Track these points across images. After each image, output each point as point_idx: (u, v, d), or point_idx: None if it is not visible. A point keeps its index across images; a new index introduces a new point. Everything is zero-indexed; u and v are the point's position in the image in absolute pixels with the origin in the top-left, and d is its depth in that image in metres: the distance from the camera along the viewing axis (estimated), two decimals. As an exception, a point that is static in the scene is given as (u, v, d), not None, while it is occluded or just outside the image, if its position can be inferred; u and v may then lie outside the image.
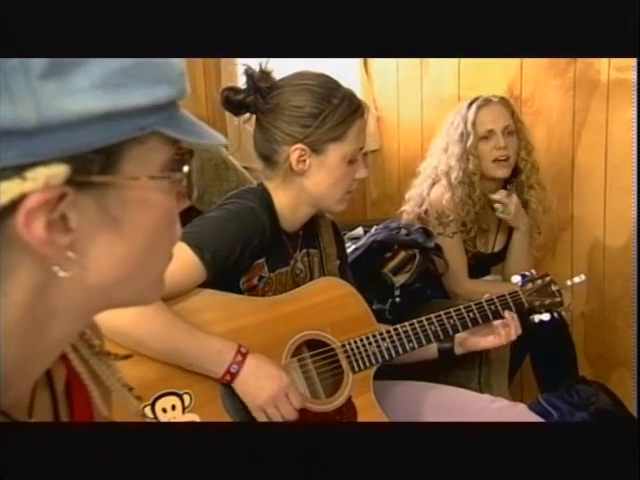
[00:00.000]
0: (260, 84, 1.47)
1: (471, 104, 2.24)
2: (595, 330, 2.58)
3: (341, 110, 1.48)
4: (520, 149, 2.26)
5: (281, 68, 1.52)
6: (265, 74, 1.48)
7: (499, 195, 2.26)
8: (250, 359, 1.37)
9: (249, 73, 1.47)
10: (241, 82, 1.50)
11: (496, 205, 2.26)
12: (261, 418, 1.38)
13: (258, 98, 1.47)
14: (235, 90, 1.49)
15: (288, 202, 1.54)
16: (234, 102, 1.49)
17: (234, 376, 1.37)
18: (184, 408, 1.36)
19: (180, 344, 1.36)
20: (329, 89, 1.50)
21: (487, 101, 2.24)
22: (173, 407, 1.35)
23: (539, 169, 2.30)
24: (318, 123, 1.46)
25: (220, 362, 1.36)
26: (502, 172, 2.25)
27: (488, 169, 2.24)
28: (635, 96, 2.20)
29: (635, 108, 2.18)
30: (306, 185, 1.52)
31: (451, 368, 1.95)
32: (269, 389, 1.37)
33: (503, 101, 2.27)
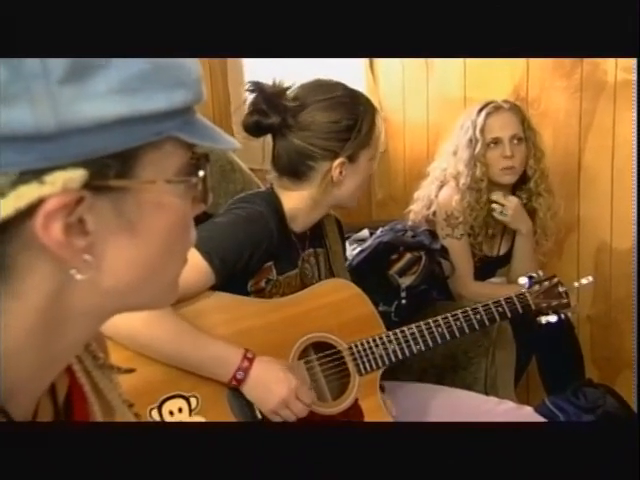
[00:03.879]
0: (289, 104, 1.46)
1: (482, 109, 2.23)
2: (601, 332, 2.57)
3: (368, 116, 1.51)
4: (529, 157, 2.26)
5: (284, 68, 1.52)
6: (285, 90, 1.46)
7: (496, 196, 2.26)
8: (257, 364, 1.37)
9: (271, 92, 1.45)
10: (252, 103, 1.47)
11: (493, 205, 2.26)
12: (274, 419, 1.38)
13: (288, 118, 1.46)
14: (265, 113, 1.45)
15: (306, 206, 1.54)
16: (265, 126, 1.46)
17: (241, 382, 1.36)
18: (191, 410, 1.36)
19: (185, 348, 1.36)
20: (352, 97, 1.51)
21: (497, 108, 2.23)
22: (180, 410, 1.35)
23: (548, 176, 2.30)
24: (355, 134, 1.48)
25: (226, 368, 1.36)
26: (508, 179, 2.26)
27: (495, 176, 2.24)
28: (635, 97, 2.20)
29: (635, 108, 2.17)
30: (338, 192, 1.53)
31: (457, 370, 1.95)
32: (278, 394, 1.36)
33: (515, 108, 2.26)
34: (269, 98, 1.45)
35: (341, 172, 1.49)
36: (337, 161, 1.48)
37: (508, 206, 2.24)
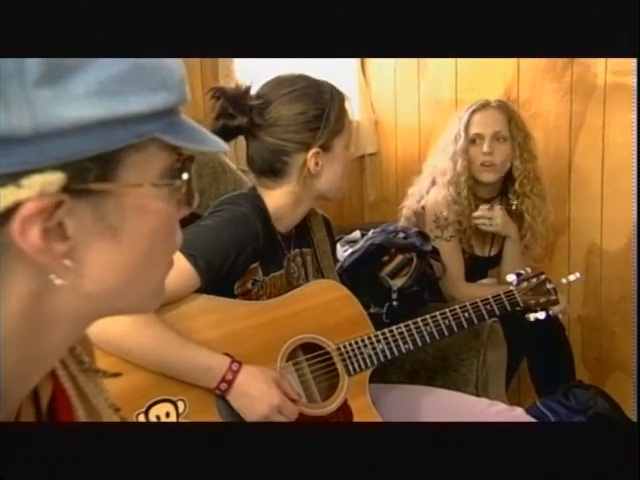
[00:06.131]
0: (253, 102, 1.47)
1: (470, 107, 2.27)
2: (592, 334, 2.58)
3: (336, 103, 1.51)
4: (514, 158, 2.26)
5: (275, 68, 1.51)
6: (247, 91, 1.47)
7: (480, 212, 2.26)
8: (241, 377, 1.35)
9: (234, 94, 1.46)
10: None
11: (480, 220, 2.26)
12: None
13: (255, 117, 1.46)
14: (231, 116, 1.46)
15: (289, 202, 1.53)
16: (232, 128, 1.47)
17: (224, 392, 1.36)
18: (178, 415, 1.35)
19: (169, 357, 1.34)
20: (315, 87, 1.51)
21: (484, 105, 2.26)
22: (167, 414, 1.34)
23: (539, 179, 2.30)
24: (324, 123, 1.48)
25: (209, 379, 1.35)
26: (487, 177, 2.26)
27: (476, 172, 2.26)
28: (635, 96, 2.20)
29: (635, 108, 2.18)
30: (318, 183, 1.53)
31: (448, 371, 1.95)
32: (260, 410, 1.35)
33: (502, 106, 2.27)
34: (233, 100, 1.45)
35: (317, 163, 1.49)
36: (311, 152, 1.48)
37: (494, 216, 2.24)
